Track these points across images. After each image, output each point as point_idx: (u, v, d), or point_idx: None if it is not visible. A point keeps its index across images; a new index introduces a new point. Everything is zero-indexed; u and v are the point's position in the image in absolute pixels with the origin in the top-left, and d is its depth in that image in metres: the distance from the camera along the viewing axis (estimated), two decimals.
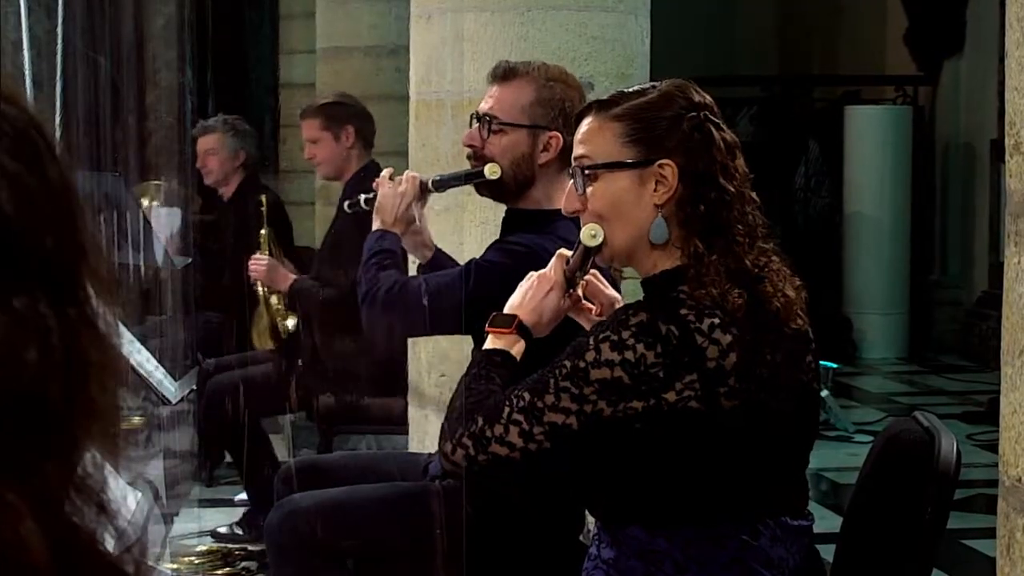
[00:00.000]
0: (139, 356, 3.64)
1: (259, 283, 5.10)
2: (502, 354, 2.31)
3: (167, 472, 5.01)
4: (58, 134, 3.70)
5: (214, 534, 4.99)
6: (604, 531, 2.29)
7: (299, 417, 5.62)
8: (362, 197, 3.25)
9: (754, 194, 2.27)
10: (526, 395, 2.18)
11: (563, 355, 2.18)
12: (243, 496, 5.35)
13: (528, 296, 2.35)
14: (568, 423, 2.15)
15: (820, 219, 10.50)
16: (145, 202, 5.89)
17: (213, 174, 5.80)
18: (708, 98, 2.32)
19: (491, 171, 2.99)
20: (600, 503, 2.33)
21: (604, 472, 2.26)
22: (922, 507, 2.20)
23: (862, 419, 7.26)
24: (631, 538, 2.21)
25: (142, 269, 5.32)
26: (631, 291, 2.58)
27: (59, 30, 3.86)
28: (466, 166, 3.11)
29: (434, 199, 3.28)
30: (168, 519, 4.89)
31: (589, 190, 2.26)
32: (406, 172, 3.21)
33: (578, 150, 2.30)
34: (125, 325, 3.64)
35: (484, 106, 3.04)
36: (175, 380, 3.83)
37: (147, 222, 4.57)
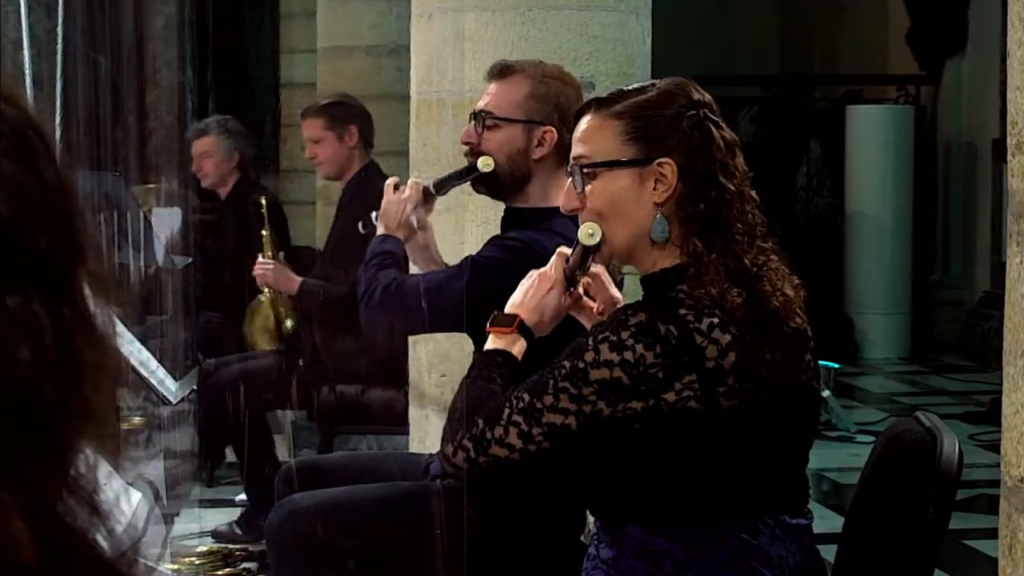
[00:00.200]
0: (140, 356, 3.64)
1: (265, 286, 5.10)
2: (503, 354, 2.31)
3: (167, 472, 5.01)
4: (58, 134, 3.70)
5: (214, 533, 4.99)
6: (604, 531, 2.28)
7: (300, 417, 5.62)
8: (374, 214, 3.27)
9: (753, 193, 2.26)
10: (525, 396, 2.18)
11: (562, 356, 2.18)
12: (243, 496, 5.35)
13: (529, 295, 2.35)
14: (567, 423, 2.15)
15: (822, 219, 10.50)
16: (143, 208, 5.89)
17: (209, 177, 5.81)
18: (707, 96, 2.31)
19: (484, 163, 3.02)
20: (600, 503, 2.33)
21: (603, 472, 2.25)
22: (924, 507, 2.19)
23: (864, 419, 7.26)
24: (631, 538, 2.21)
25: (142, 269, 5.32)
26: (633, 290, 2.58)
27: (59, 29, 3.85)
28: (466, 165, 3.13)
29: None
30: (168, 519, 4.89)
31: (588, 188, 2.26)
32: (410, 179, 3.23)
33: (577, 148, 2.30)
34: (125, 325, 3.64)
35: (481, 103, 3.09)
36: (175, 380, 3.82)
37: (147, 222, 4.57)
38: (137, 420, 5.58)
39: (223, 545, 4.88)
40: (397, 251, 3.13)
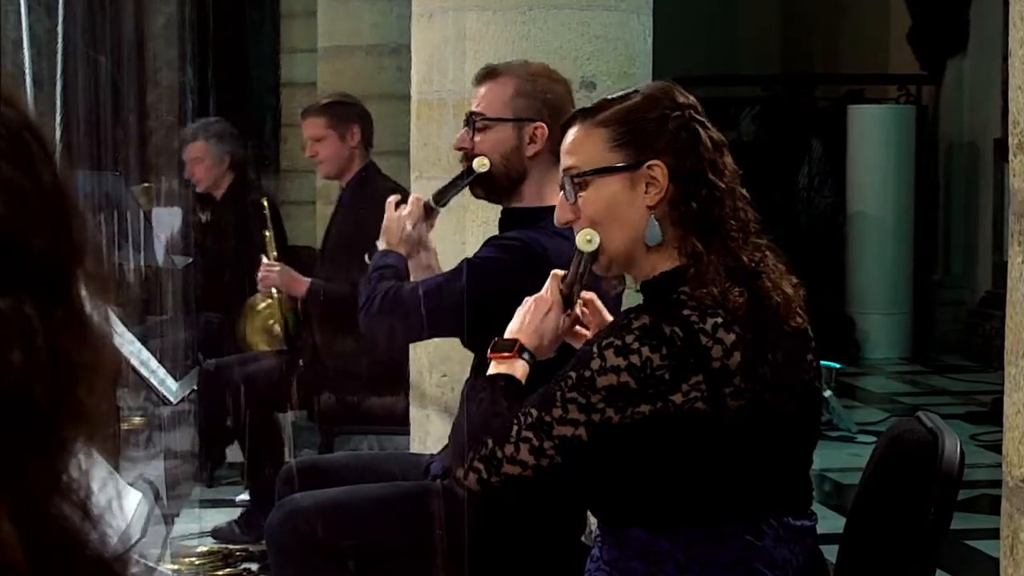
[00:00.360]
0: (140, 356, 3.64)
1: (274, 289, 5.09)
2: (506, 378, 2.30)
3: (168, 472, 5.00)
4: (58, 133, 3.70)
5: (214, 532, 4.99)
6: (606, 532, 2.28)
7: (300, 417, 5.62)
8: (379, 243, 3.29)
9: (744, 191, 2.27)
10: (533, 411, 2.17)
11: (567, 367, 2.18)
12: (243, 497, 5.34)
13: (527, 319, 2.34)
14: (578, 435, 2.14)
15: (823, 219, 10.49)
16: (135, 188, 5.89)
17: (203, 182, 5.84)
18: (692, 99, 2.31)
19: (479, 163, 3.04)
20: (602, 504, 2.33)
21: (607, 474, 2.25)
22: (925, 508, 2.19)
23: (865, 419, 7.25)
24: (633, 539, 2.20)
25: (142, 269, 5.32)
26: (632, 303, 2.57)
27: (59, 29, 3.85)
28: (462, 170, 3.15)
29: None
30: (169, 520, 4.89)
31: (581, 198, 2.26)
32: (411, 196, 3.24)
33: (566, 160, 2.30)
34: (126, 325, 3.64)
35: (472, 107, 3.12)
36: (176, 380, 3.82)
37: (147, 222, 4.57)
38: (137, 420, 5.58)
39: (223, 545, 4.88)
40: (398, 264, 3.14)
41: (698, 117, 2.27)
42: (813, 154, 10.68)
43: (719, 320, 2.11)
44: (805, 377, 2.23)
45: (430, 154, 3.87)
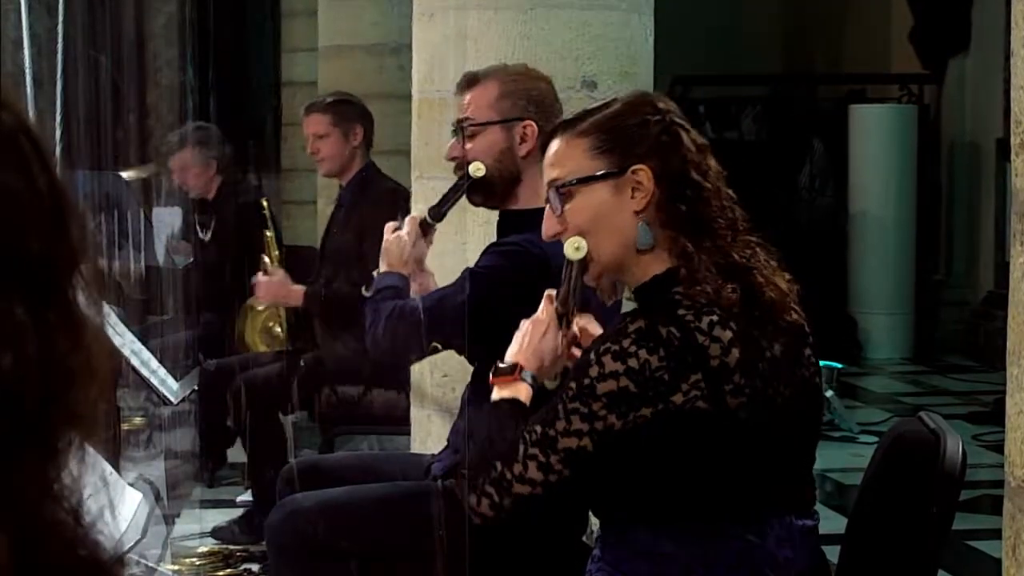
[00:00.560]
0: (141, 356, 3.63)
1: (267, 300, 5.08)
2: (509, 401, 2.30)
3: (168, 473, 5.00)
4: (58, 133, 3.69)
5: (214, 531, 4.98)
6: (608, 532, 2.28)
7: (301, 417, 5.61)
8: (375, 272, 3.29)
9: (730, 191, 2.27)
10: (537, 428, 2.17)
11: (567, 378, 2.18)
12: (244, 497, 5.34)
13: (525, 343, 2.34)
14: (583, 446, 2.14)
15: (825, 219, 10.48)
16: (128, 174, 5.89)
17: (193, 189, 5.89)
18: (672, 105, 2.33)
19: (475, 169, 3.04)
20: (604, 504, 2.32)
21: (612, 479, 2.24)
22: (927, 508, 2.18)
23: (867, 419, 7.25)
24: (635, 539, 2.20)
25: (142, 269, 5.31)
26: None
27: (60, 28, 3.85)
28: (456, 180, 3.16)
29: None
30: (169, 520, 4.89)
31: (567, 208, 2.26)
32: (407, 217, 3.23)
33: (550, 173, 2.31)
34: (126, 325, 3.63)
35: (458, 115, 3.13)
36: (176, 380, 3.82)
37: (148, 222, 4.57)
38: (138, 420, 5.58)
39: (224, 546, 4.88)
40: (400, 284, 3.14)
41: (679, 120, 2.28)
42: (815, 154, 10.67)
43: (715, 318, 2.11)
44: (804, 373, 2.23)
45: (431, 153, 3.86)
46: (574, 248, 2.25)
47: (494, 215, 3.20)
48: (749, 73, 11.32)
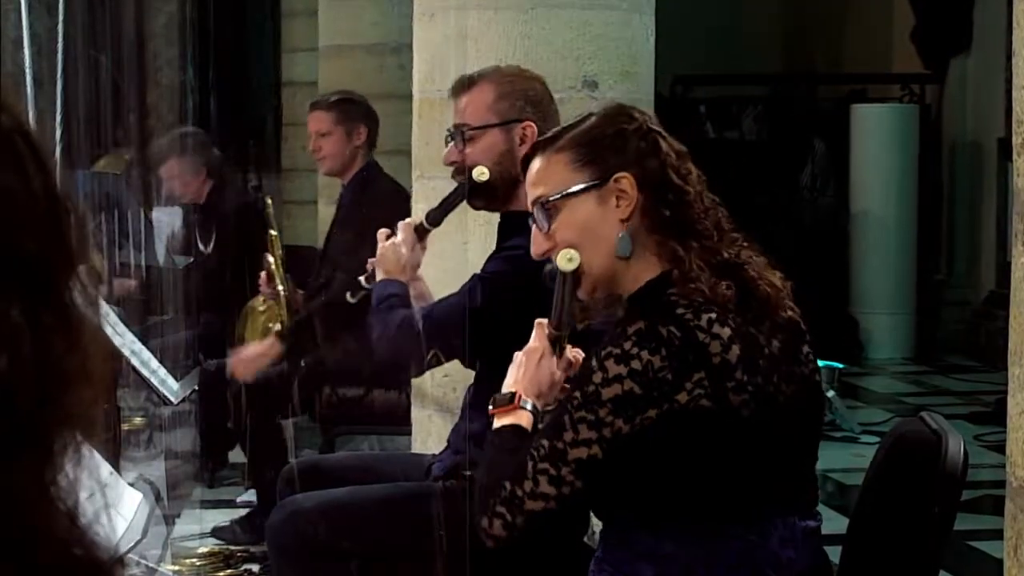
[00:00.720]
0: (141, 356, 3.63)
1: (280, 288, 5.05)
2: (511, 427, 2.29)
3: (168, 473, 5.00)
4: (58, 132, 3.69)
5: (215, 532, 4.98)
6: (609, 532, 2.27)
7: (301, 418, 5.60)
8: (361, 279, 3.27)
9: (713, 196, 2.29)
10: (545, 442, 2.17)
11: (571, 388, 2.19)
12: (244, 497, 5.33)
13: (521, 372, 2.34)
14: (593, 454, 2.13)
15: (826, 218, 10.47)
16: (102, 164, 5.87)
17: (184, 196, 5.87)
18: (647, 114, 2.35)
19: (479, 173, 3.03)
20: (606, 505, 2.32)
21: (619, 482, 2.24)
22: (929, 508, 2.18)
23: (868, 420, 7.24)
24: (637, 540, 2.20)
25: (143, 269, 5.31)
26: None
27: (60, 28, 3.85)
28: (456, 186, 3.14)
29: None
30: (170, 520, 4.88)
31: (555, 225, 2.27)
32: (400, 223, 3.21)
33: (534, 192, 2.32)
34: (126, 325, 3.63)
35: (455, 120, 3.13)
36: (177, 380, 3.81)
37: (148, 222, 4.57)
38: (138, 420, 5.58)
39: (224, 546, 4.87)
40: (402, 292, 3.13)
41: (656, 128, 2.30)
42: (816, 153, 10.66)
43: (713, 315, 2.12)
44: (804, 370, 2.23)
45: (432, 153, 3.86)
46: (567, 259, 2.25)
47: (496, 216, 3.19)
48: (750, 73, 11.31)
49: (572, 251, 2.25)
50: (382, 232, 3.20)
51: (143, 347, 3.66)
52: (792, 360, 2.21)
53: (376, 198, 4.85)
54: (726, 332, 2.11)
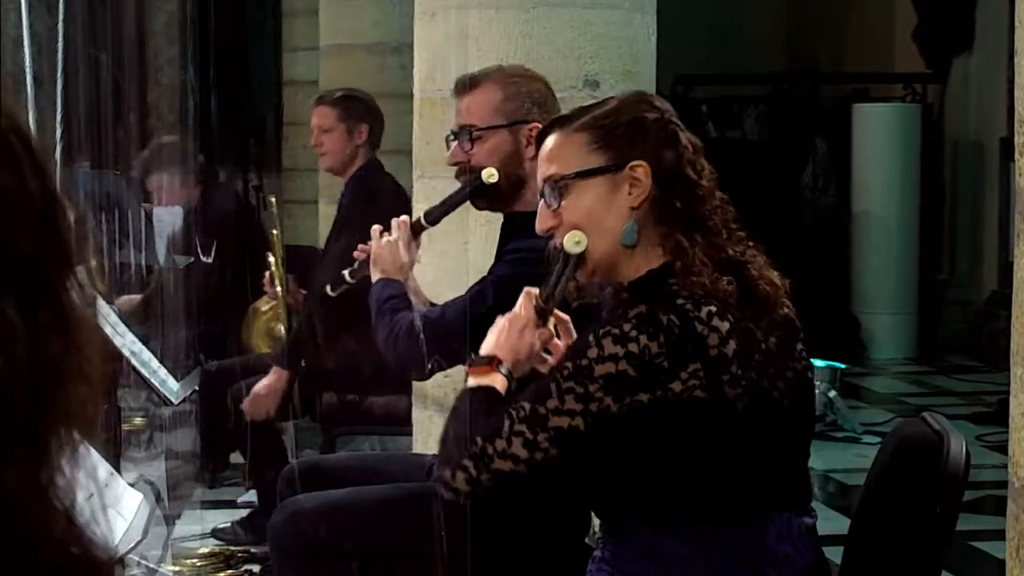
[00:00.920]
0: (142, 356, 3.62)
1: (279, 289, 5.05)
2: (485, 388, 2.28)
3: (169, 473, 4.99)
4: (58, 132, 3.69)
5: (216, 532, 4.98)
6: (608, 532, 2.27)
7: (302, 418, 5.60)
8: (345, 272, 3.25)
9: (723, 194, 2.28)
10: (526, 405, 2.15)
11: (563, 358, 2.17)
12: (245, 498, 5.33)
13: (502, 337, 2.33)
14: (575, 425, 2.12)
15: (828, 218, 10.47)
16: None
17: (178, 202, 5.87)
18: (668, 104, 2.35)
19: (488, 175, 3.00)
20: (604, 503, 2.31)
21: (608, 471, 2.23)
22: (931, 508, 2.18)
23: (870, 420, 7.24)
24: (636, 538, 2.20)
25: (143, 269, 5.30)
26: None
27: (60, 27, 3.84)
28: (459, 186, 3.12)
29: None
30: (170, 521, 4.88)
31: (563, 204, 2.26)
32: (394, 220, 3.19)
33: (547, 168, 2.30)
34: (127, 325, 3.62)
35: (459, 120, 3.09)
36: (177, 380, 3.81)
37: (148, 221, 4.56)
38: (139, 421, 5.57)
39: (225, 546, 4.87)
40: (401, 293, 3.11)
41: (675, 120, 2.30)
42: (818, 153, 10.66)
43: (713, 309, 2.12)
44: (797, 367, 2.24)
45: (433, 153, 3.85)
46: (574, 242, 2.24)
47: (497, 215, 3.19)
48: (752, 72, 11.31)
49: (580, 234, 2.24)
50: (375, 229, 3.18)
51: (143, 347, 3.66)
52: (787, 357, 2.22)
53: (375, 197, 4.85)
54: (724, 326, 2.11)
